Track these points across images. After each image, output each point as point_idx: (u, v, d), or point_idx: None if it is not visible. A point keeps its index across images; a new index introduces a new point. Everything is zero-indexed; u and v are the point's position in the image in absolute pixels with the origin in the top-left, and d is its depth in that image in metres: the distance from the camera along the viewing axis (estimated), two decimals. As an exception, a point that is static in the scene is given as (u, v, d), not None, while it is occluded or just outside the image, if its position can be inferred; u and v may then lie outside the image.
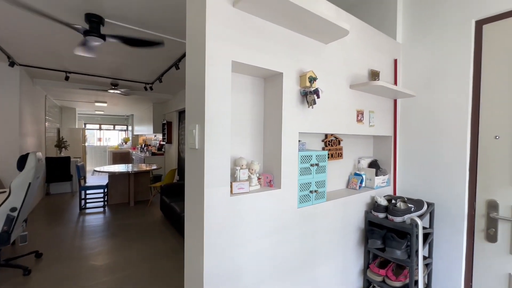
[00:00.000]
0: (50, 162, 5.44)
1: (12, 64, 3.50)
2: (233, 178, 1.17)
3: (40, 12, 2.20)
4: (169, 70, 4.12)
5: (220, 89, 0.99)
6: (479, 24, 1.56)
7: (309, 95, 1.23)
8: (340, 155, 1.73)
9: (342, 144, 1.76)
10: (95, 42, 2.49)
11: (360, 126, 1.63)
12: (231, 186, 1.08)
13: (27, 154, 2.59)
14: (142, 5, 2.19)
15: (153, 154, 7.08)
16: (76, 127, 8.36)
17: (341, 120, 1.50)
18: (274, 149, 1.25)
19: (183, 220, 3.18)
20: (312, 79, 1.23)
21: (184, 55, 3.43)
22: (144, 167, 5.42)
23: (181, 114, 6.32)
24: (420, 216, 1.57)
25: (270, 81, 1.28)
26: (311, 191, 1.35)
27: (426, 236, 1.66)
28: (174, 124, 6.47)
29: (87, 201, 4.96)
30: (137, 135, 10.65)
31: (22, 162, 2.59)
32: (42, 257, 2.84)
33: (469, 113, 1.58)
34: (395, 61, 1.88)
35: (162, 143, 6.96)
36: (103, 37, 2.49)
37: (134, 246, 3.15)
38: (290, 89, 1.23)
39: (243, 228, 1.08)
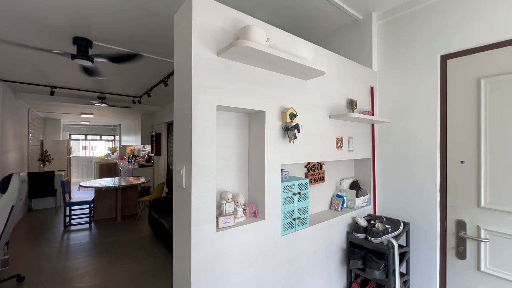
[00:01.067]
0: (33, 177, 5.28)
1: (-6, 81, 3.44)
2: (219, 211, 1.23)
3: (28, 46, 2.22)
4: (158, 86, 4.15)
5: (206, 132, 1.06)
6: (444, 59, 1.72)
7: (290, 131, 1.32)
8: (322, 179, 1.83)
9: (324, 168, 1.86)
10: (84, 64, 2.52)
11: (340, 152, 1.74)
12: (217, 221, 1.14)
13: (10, 175, 2.55)
14: (129, 28, 2.24)
15: (142, 165, 7.00)
16: (61, 138, 8.15)
17: (322, 148, 1.60)
18: (258, 181, 1.32)
19: (172, 236, 3.18)
20: (293, 116, 1.33)
21: (171, 73, 3.49)
22: (132, 180, 5.36)
23: (170, 126, 6.31)
24: (397, 236, 1.68)
25: (254, 117, 1.36)
26: (294, 219, 1.43)
27: (403, 255, 1.78)
28: (163, 135, 6.45)
29: (72, 217, 4.83)
30: (125, 146, 10.48)
31: (4, 183, 2.54)
32: (24, 281, 2.76)
33: (437, 139, 1.73)
34: (372, 88, 2.02)
35: (150, 154, 6.90)
36: (91, 59, 2.52)
37: (121, 264, 3.11)
38: (273, 125, 1.32)
39: (229, 260, 1.14)
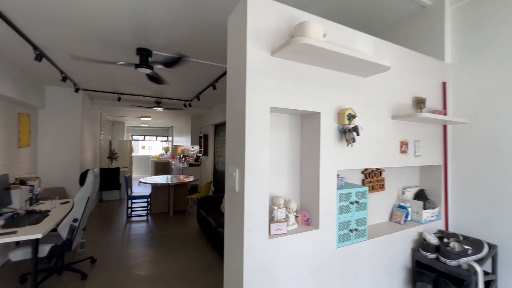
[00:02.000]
0: (103, 172, 6.09)
1: (77, 90, 4.06)
2: (270, 216, 1.19)
3: (99, 61, 2.56)
4: (207, 89, 4.36)
5: (260, 135, 1.03)
6: (550, 43, 1.37)
7: (348, 133, 1.20)
8: (381, 187, 1.64)
9: (384, 174, 1.66)
10: (145, 71, 2.78)
11: (404, 158, 1.53)
12: (269, 227, 1.10)
13: (87, 171, 2.95)
14: (183, 36, 2.38)
15: (191, 165, 7.46)
16: (125, 139, 9.26)
17: (383, 153, 1.43)
18: (311, 187, 1.24)
19: (219, 235, 3.28)
20: (351, 117, 1.21)
21: (220, 76, 3.61)
22: (182, 178, 5.75)
23: (217, 127, 6.58)
24: (480, 260, 1.40)
25: (307, 118, 1.28)
26: (350, 230, 1.30)
27: (488, 284, 1.47)
28: (210, 137, 6.77)
29: (133, 209, 5.41)
30: (176, 146, 11.37)
31: (82, 178, 2.96)
32: (96, 263, 3.16)
33: (539, 144, 1.38)
34: (444, 84, 1.73)
35: (199, 154, 7.32)
36: (151, 67, 2.76)
37: (173, 258, 3.33)
38: (328, 127, 1.22)
39: (281, 270, 1.09)
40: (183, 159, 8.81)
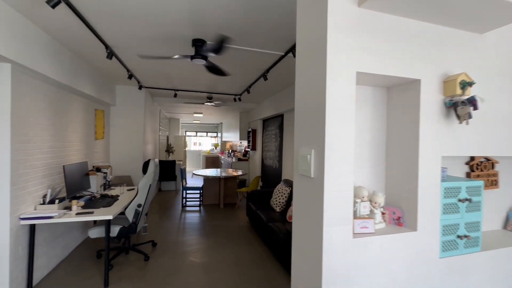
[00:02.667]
0: (162, 164, 6.61)
1: (140, 87, 4.42)
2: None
3: (160, 57, 2.66)
4: (257, 82, 4.26)
5: (343, 107, 0.82)
6: None
7: (460, 107, 0.90)
8: (494, 183, 1.24)
9: (497, 167, 1.26)
10: (200, 62, 2.79)
11: (535, 144, 1.12)
12: (352, 224, 0.88)
13: (149, 161, 3.15)
14: (237, 23, 2.29)
15: (239, 159, 7.56)
16: (180, 134, 9.95)
17: (510, 136, 1.05)
18: (404, 178, 0.97)
19: (269, 229, 3.15)
20: (466, 85, 0.89)
21: (272, 66, 3.46)
22: (231, 172, 5.83)
23: (265, 122, 6.49)
24: None
25: (398, 90, 1.01)
26: (459, 236, 0.98)
27: None
28: (258, 131, 6.72)
29: (187, 200, 5.71)
30: (225, 141, 11.77)
31: (145, 167, 3.17)
32: (157, 246, 3.37)
33: None
34: None
35: (247, 149, 7.37)
36: (205, 57, 2.77)
37: (224, 248, 3.34)
38: (430, 100, 0.93)
39: (367, 279, 0.86)
40: (231, 154, 9.02)
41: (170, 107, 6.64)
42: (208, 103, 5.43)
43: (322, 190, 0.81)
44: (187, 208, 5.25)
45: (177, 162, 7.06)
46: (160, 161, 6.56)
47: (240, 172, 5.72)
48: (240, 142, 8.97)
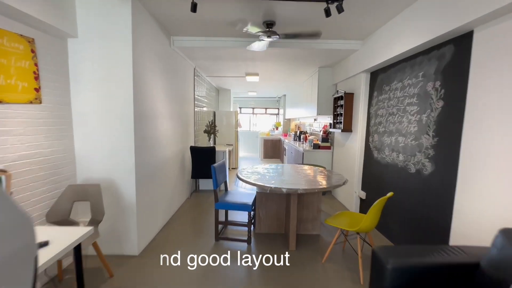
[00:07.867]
0: (196, 153, 4.28)
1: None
2: None
3: None
4: None
5: None
6: None
7: None
8: None
9: None
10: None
11: None
12: None
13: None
14: None
15: (318, 147, 4.63)
16: (231, 110, 7.60)
17: None
18: None
19: None
20: None
21: None
22: (310, 173, 2.98)
23: (379, 74, 3.27)
24: None
25: None
26: None
27: None
28: (361, 96, 3.56)
29: (227, 222, 3.20)
30: (289, 120, 8.89)
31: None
32: None
33: None
34: None
35: (331, 130, 4.33)
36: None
37: None
38: None
39: None
40: (300, 137, 6.14)
41: (205, 57, 4.06)
42: (267, 38, 2.61)
43: None
44: (225, 243, 2.73)
45: (220, 149, 4.66)
46: (193, 148, 4.22)
47: (332, 179, 2.84)
48: (314, 120, 5.93)
